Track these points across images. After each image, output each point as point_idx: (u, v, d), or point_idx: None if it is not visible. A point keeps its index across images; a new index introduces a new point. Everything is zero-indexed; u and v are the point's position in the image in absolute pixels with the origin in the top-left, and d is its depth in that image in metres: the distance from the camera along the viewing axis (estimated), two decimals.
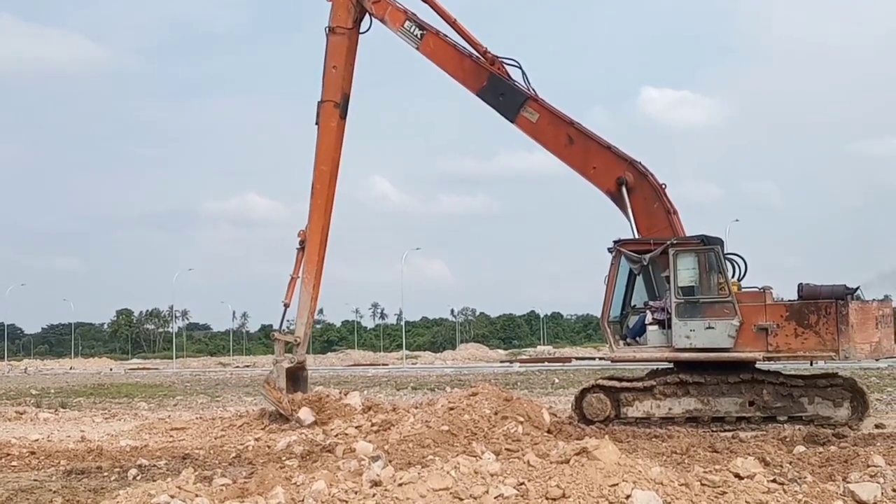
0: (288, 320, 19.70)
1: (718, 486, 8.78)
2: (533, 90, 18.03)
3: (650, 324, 16.79)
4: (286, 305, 19.25)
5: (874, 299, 16.10)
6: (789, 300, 16.31)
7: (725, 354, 16.02)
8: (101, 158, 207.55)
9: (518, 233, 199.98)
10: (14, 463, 14.20)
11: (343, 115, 19.19)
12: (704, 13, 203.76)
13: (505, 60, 18.27)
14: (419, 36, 18.48)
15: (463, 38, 18.52)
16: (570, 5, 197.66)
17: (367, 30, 19.10)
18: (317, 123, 19.13)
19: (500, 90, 18.09)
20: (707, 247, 16.54)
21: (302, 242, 19.10)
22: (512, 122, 18.03)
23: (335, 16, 18.97)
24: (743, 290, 16.56)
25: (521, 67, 18.14)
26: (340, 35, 18.94)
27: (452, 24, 18.61)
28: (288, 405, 18.05)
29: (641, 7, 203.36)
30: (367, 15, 18.98)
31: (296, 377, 19.15)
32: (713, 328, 16.02)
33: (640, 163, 17.34)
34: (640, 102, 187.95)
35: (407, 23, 18.58)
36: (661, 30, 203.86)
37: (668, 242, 16.47)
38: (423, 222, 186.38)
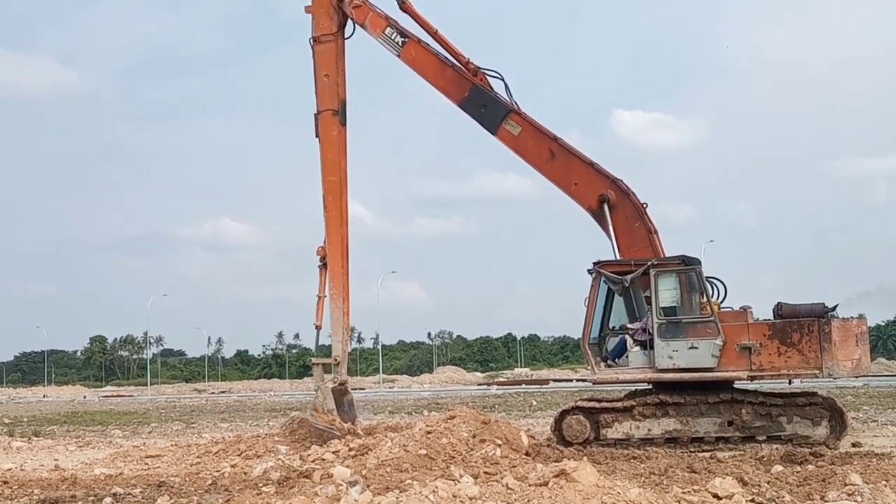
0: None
1: None
2: (515, 103, 17.97)
3: (632, 345, 16.79)
4: (318, 328, 18.89)
5: (853, 317, 16.20)
6: (770, 319, 16.37)
7: (709, 374, 16.03)
8: (72, 182, 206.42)
9: (494, 255, 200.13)
10: None
11: (343, 122, 18.97)
12: (676, 35, 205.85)
13: (487, 72, 18.22)
14: (400, 43, 18.41)
15: (445, 48, 18.48)
16: (541, 29, 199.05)
17: (352, 34, 18.99)
18: (317, 136, 18.90)
19: (483, 101, 17.99)
20: (688, 267, 16.59)
21: (323, 259, 18.72)
22: (494, 134, 17.91)
23: (318, 25, 18.89)
24: (723, 309, 16.62)
25: (503, 79, 18.10)
26: (327, 43, 18.84)
27: (434, 34, 18.56)
28: (342, 426, 17.63)
29: (615, 30, 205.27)
30: (350, 21, 18.87)
31: (339, 402, 18.52)
32: (696, 348, 16.02)
33: (622, 181, 17.33)
34: (614, 124, 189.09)
35: (388, 29, 18.52)
36: (634, 52, 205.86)
37: (649, 263, 16.50)
38: (399, 245, 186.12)
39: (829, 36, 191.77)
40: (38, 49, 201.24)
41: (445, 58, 18.37)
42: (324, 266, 18.72)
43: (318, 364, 18.91)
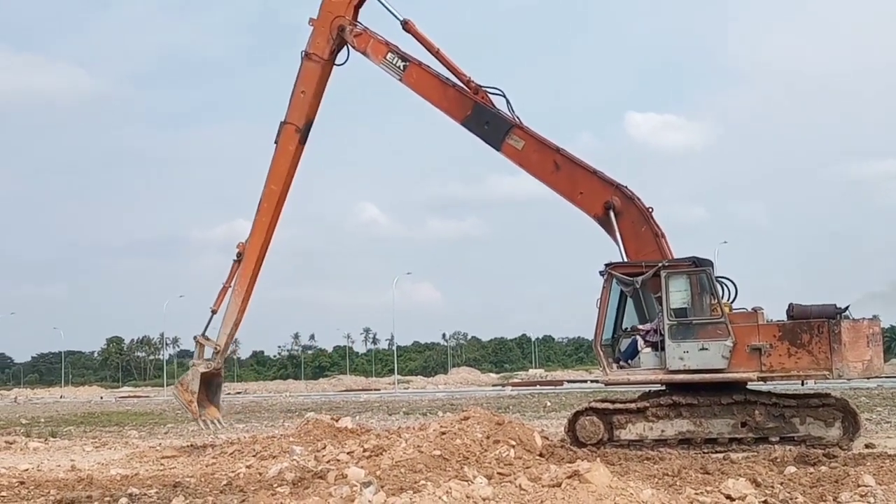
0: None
1: None
2: (517, 118, 18.07)
3: (643, 346, 16.81)
4: (213, 312, 19.67)
5: (864, 318, 16.16)
6: (780, 320, 16.36)
7: (720, 375, 16.03)
8: (89, 186, 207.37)
9: (508, 256, 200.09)
10: (3, 493, 14.07)
11: (302, 141, 19.36)
12: (688, 38, 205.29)
13: (488, 89, 18.35)
14: (402, 67, 18.55)
15: (447, 67, 18.60)
16: (555, 32, 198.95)
17: (344, 62, 19.21)
18: (276, 142, 19.29)
19: (485, 119, 18.12)
20: (698, 268, 16.59)
21: (240, 254, 19.47)
22: (498, 150, 18.04)
23: (313, 42, 19.09)
24: (734, 311, 16.61)
25: (504, 96, 18.23)
26: (315, 62, 19.08)
27: (436, 53, 18.70)
28: (196, 409, 18.94)
29: (627, 32, 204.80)
30: (346, 48, 19.07)
31: (210, 383, 19.67)
32: (707, 349, 16.03)
33: (626, 187, 17.40)
34: (627, 127, 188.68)
35: (389, 54, 18.65)
36: (646, 55, 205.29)
37: (660, 265, 16.51)
38: (413, 247, 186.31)
39: (840, 40, 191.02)
40: (58, 53, 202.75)
41: (447, 78, 18.50)
42: (238, 261, 19.53)
43: (201, 344, 19.76)
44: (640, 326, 17.11)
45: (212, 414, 19.43)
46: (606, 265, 16.94)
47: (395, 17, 18.91)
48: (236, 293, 19.39)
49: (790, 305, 16.35)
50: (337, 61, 19.23)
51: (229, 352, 20.12)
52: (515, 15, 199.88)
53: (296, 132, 19.16)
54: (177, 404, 19.82)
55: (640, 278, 16.66)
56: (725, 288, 16.92)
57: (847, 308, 16.03)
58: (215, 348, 19.48)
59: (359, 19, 19.14)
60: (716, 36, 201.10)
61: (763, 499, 9.39)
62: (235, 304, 19.38)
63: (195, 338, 20.03)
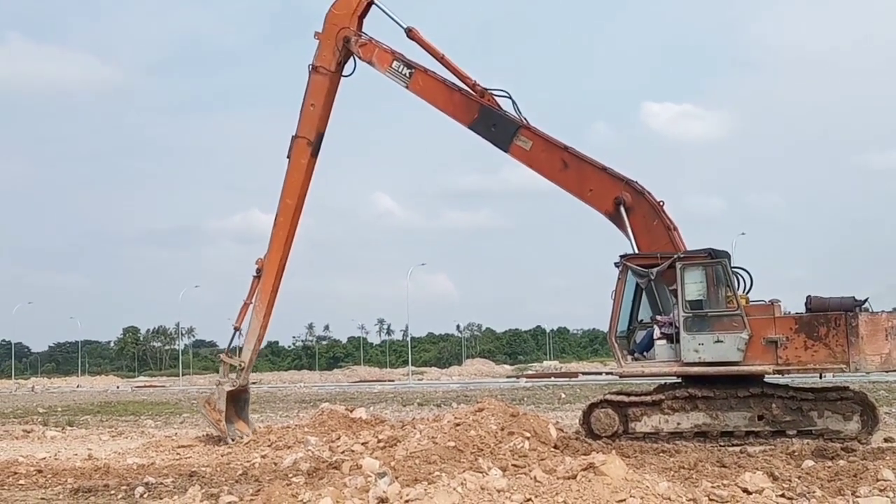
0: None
1: (727, 501, 8.77)
2: (524, 119, 18.08)
3: (658, 338, 16.74)
4: (236, 329, 19.74)
5: (883, 311, 16.02)
6: (798, 313, 16.27)
7: (735, 368, 15.95)
8: (106, 175, 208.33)
9: (523, 247, 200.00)
10: (21, 481, 14.19)
11: (314, 154, 19.37)
12: (705, 27, 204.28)
13: (494, 92, 18.36)
14: (408, 75, 18.57)
15: (452, 72, 18.61)
16: (569, 22, 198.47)
17: (351, 73, 19.21)
18: (288, 157, 19.34)
19: (492, 121, 18.15)
20: (714, 260, 16.51)
21: (259, 270, 19.48)
22: (506, 151, 18.07)
23: (320, 55, 19.11)
24: (751, 303, 16.53)
25: (510, 97, 18.23)
26: (323, 75, 19.08)
27: (440, 59, 18.71)
28: (225, 427, 18.81)
29: (642, 21, 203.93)
30: (353, 58, 19.09)
31: (237, 399, 19.70)
32: (722, 342, 15.95)
33: (636, 182, 17.35)
34: (643, 117, 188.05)
35: (395, 63, 18.67)
36: (664, 43, 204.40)
37: (676, 256, 16.44)
38: (428, 238, 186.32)
39: (863, 28, 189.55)
40: (75, 43, 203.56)
41: (452, 83, 18.50)
42: (258, 276, 19.51)
43: (225, 363, 19.88)
44: (659, 317, 17.03)
45: (241, 429, 19.42)
46: (622, 257, 16.88)
47: (399, 25, 18.91)
48: (257, 309, 19.42)
49: (808, 298, 16.24)
50: (344, 72, 19.23)
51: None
52: (528, 5, 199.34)
53: (307, 145, 19.18)
54: (205, 423, 19.90)
55: (655, 270, 16.60)
56: (741, 279, 16.83)
57: (866, 300, 15.91)
58: (239, 365, 19.53)
59: (363, 29, 19.16)
60: (734, 24, 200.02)
61: (780, 493, 9.33)
62: (257, 321, 19.43)
63: (218, 356, 20.14)
